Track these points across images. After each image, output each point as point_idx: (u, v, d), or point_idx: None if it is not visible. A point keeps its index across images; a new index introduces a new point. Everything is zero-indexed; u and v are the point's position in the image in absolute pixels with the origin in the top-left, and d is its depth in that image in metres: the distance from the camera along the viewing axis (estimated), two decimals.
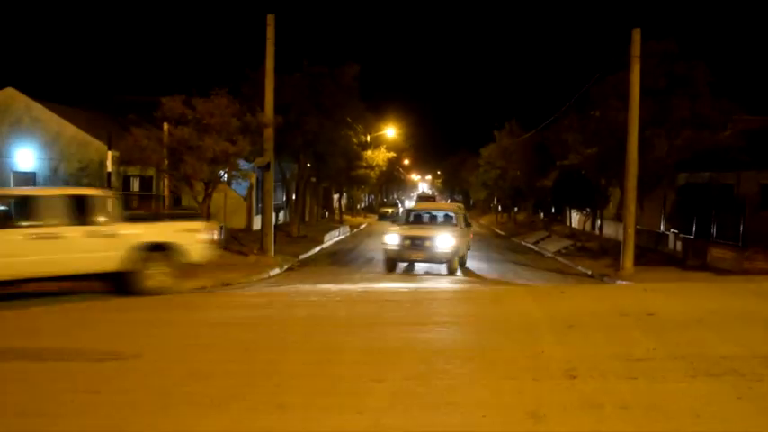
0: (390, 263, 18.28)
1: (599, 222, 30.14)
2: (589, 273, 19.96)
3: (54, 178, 23.76)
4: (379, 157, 39.03)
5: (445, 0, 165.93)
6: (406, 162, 73.12)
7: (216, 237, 14.08)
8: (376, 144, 40.58)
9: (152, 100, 18.51)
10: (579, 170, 26.32)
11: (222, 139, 17.06)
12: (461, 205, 30.91)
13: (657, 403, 5.03)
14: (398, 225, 20.30)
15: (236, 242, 23.82)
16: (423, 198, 48.59)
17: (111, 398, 5.27)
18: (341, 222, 41.92)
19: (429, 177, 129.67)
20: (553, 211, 41.82)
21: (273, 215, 21.28)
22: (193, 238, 12.24)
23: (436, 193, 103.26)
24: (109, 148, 15.58)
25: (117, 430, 4.59)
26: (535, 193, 42.11)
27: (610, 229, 28.62)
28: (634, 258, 18.47)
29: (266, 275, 16.97)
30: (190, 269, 12.86)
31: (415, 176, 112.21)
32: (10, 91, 23.90)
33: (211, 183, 17.89)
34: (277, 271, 17.95)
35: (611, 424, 4.60)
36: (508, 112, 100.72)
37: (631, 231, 18.54)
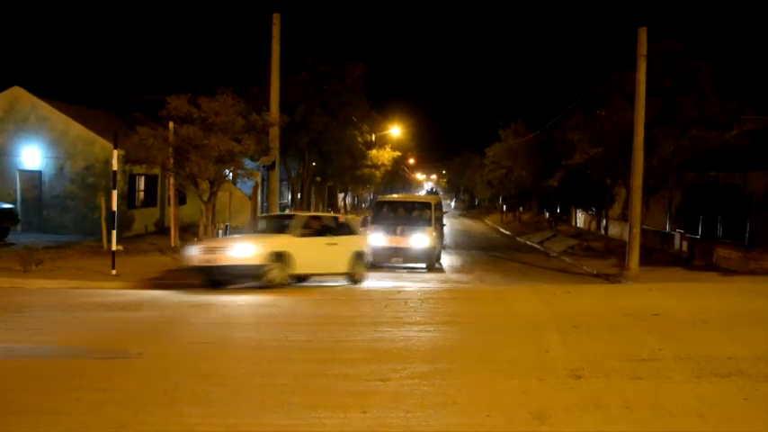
0: None
1: (604, 222, 30.05)
2: (594, 272, 19.91)
3: (60, 177, 23.84)
4: (384, 156, 38.98)
5: (450, 0, 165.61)
6: (411, 161, 73.09)
7: None
8: (381, 143, 40.55)
9: (157, 98, 18.53)
10: (585, 170, 26.22)
11: (227, 137, 17.06)
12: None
13: (663, 404, 5.00)
14: None
15: None
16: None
17: (116, 396, 5.28)
18: None
19: (434, 176, 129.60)
20: (558, 210, 41.76)
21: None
22: None
23: (435, 189, 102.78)
24: (114, 147, 15.57)
25: (122, 429, 4.60)
26: (540, 192, 42.04)
27: (615, 229, 28.56)
28: (640, 258, 18.42)
29: None
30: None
31: (420, 176, 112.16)
32: (16, 90, 23.97)
33: (217, 181, 17.90)
34: None
35: (616, 424, 4.58)
36: (513, 111, 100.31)
37: (637, 231, 18.48)
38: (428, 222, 19.85)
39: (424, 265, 19.58)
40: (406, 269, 19.46)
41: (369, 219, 20.78)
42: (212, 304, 10.72)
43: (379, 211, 21.52)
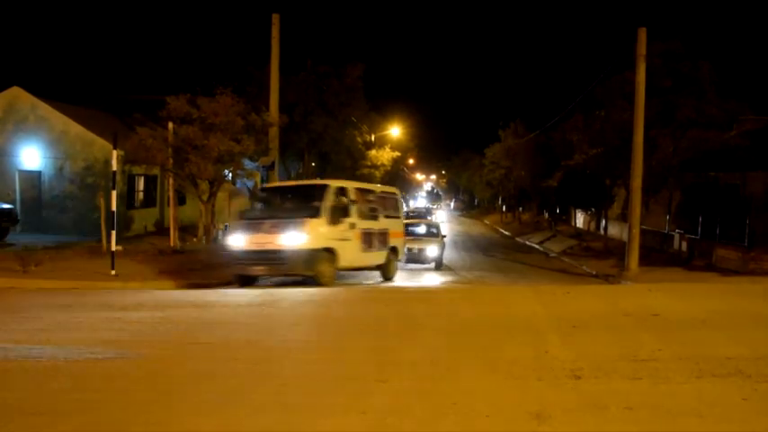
0: None
1: (604, 222, 30.08)
2: (594, 273, 19.92)
3: (59, 177, 23.84)
4: (384, 156, 38.99)
5: (450, 0, 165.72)
6: (411, 161, 73.14)
7: None
8: (380, 143, 40.56)
9: (157, 99, 18.56)
10: (584, 170, 26.27)
11: (227, 138, 17.08)
12: None
13: (662, 404, 5.00)
14: None
15: None
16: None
17: (114, 397, 5.27)
18: None
19: (434, 177, 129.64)
20: (558, 211, 41.81)
21: None
22: None
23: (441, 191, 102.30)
24: (114, 147, 15.60)
25: (120, 430, 4.59)
26: (540, 192, 42.13)
27: (615, 229, 28.56)
28: (639, 258, 18.43)
29: None
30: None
31: (419, 176, 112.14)
32: (15, 90, 23.99)
33: (216, 182, 17.91)
34: None
35: (615, 425, 4.58)
36: (513, 112, 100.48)
37: (636, 231, 18.49)
38: (313, 213, 13.17)
39: (312, 279, 13.26)
40: (284, 284, 13.89)
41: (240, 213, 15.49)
42: (212, 305, 10.72)
43: (260, 202, 15.74)
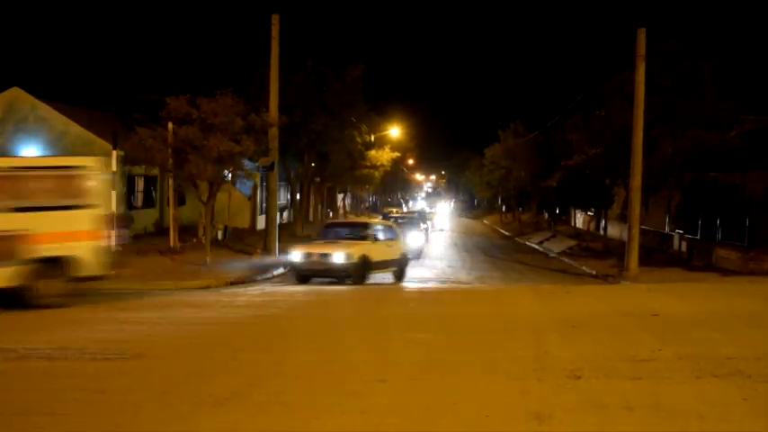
0: None
1: (604, 223, 30.07)
2: (594, 273, 19.91)
3: None
4: (384, 156, 38.96)
5: (449, 0, 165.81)
6: (411, 162, 73.13)
7: None
8: (380, 144, 40.51)
9: (157, 99, 18.53)
10: (584, 170, 26.23)
11: (227, 138, 17.04)
12: None
13: (662, 404, 5.00)
14: None
15: (240, 241, 23.87)
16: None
17: (115, 397, 5.27)
18: None
19: (434, 177, 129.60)
20: (558, 211, 41.80)
21: (278, 215, 21.28)
22: None
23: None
24: (114, 148, 15.61)
25: (121, 430, 4.59)
26: (540, 193, 42.10)
27: (614, 230, 28.54)
28: (639, 259, 18.40)
29: (270, 275, 16.99)
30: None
31: (419, 176, 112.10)
32: (15, 90, 23.99)
33: (216, 182, 17.89)
34: (281, 270, 17.94)
35: (615, 425, 4.57)
36: (513, 112, 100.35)
37: (636, 232, 18.46)
38: None
39: None
40: None
41: None
42: (212, 305, 10.72)
43: None
